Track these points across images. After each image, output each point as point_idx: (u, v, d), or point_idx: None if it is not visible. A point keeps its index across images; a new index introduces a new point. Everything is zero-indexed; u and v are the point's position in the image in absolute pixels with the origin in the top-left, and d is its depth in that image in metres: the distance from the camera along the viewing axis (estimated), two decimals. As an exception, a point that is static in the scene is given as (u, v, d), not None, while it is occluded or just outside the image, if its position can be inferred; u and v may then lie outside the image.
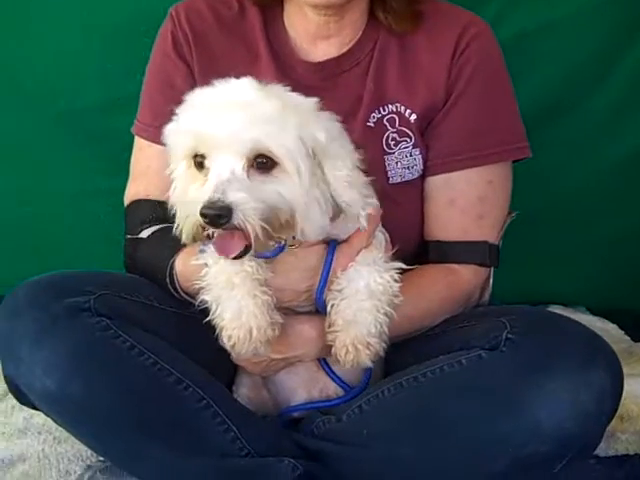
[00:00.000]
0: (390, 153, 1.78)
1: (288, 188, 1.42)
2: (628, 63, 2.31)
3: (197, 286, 1.56)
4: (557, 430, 1.45)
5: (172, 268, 1.67)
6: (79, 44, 2.32)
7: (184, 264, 1.65)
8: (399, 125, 1.78)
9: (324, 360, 1.70)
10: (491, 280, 1.87)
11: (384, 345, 1.56)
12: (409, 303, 1.65)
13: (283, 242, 1.50)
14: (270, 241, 1.45)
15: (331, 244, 1.57)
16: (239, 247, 1.40)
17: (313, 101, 1.49)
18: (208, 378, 1.65)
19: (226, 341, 1.52)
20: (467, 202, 1.77)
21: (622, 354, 1.83)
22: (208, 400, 1.59)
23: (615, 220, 2.47)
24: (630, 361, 2.16)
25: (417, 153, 1.78)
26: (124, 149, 2.30)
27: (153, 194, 1.81)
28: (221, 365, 1.76)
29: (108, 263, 2.26)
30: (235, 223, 1.36)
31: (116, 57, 2.31)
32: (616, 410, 1.53)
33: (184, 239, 1.45)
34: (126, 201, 1.88)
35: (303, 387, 1.74)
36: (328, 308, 1.57)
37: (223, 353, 1.67)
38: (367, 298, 1.53)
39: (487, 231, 1.79)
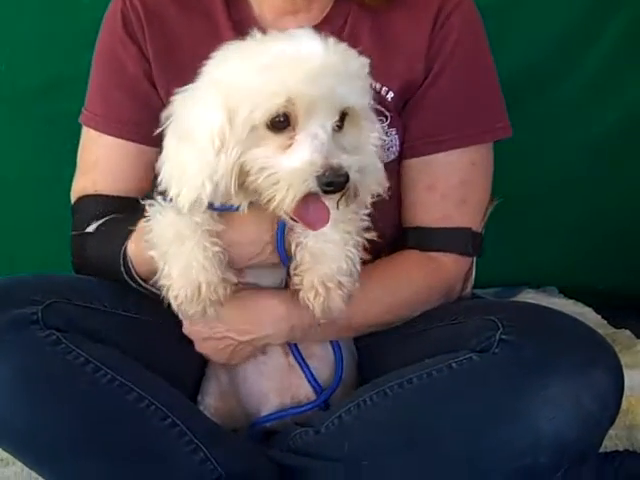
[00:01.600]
0: None
1: (356, 143, 1.36)
2: (611, 33, 2.25)
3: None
4: (558, 438, 1.34)
5: (125, 255, 1.53)
6: (12, 18, 2.15)
7: (137, 245, 1.50)
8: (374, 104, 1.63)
9: (297, 351, 1.58)
10: (474, 271, 1.75)
11: (356, 285, 1.43)
12: (385, 290, 1.58)
13: None
14: None
15: None
16: (324, 218, 1.32)
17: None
18: (172, 393, 1.51)
19: (173, 301, 1.40)
20: (448, 186, 1.65)
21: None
22: (173, 418, 1.44)
23: (586, 199, 2.43)
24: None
25: (394, 133, 1.65)
26: (67, 136, 2.14)
27: (103, 189, 1.66)
28: (184, 373, 1.63)
29: (53, 260, 2.12)
30: (346, 188, 1.28)
31: (56, 33, 2.15)
32: (617, 412, 1.42)
33: (281, 211, 1.32)
34: (73, 197, 1.73)
35: (275, 392, 1.61)
36: (293, 248, 1.44)
37: (186, 360, 1.58)
38: (333, 228, 1.41)
39: (470, 217, 1.67)
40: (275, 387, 1.61)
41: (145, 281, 1.53)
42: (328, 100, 1.29)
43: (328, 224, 1.35)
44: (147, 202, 1.45)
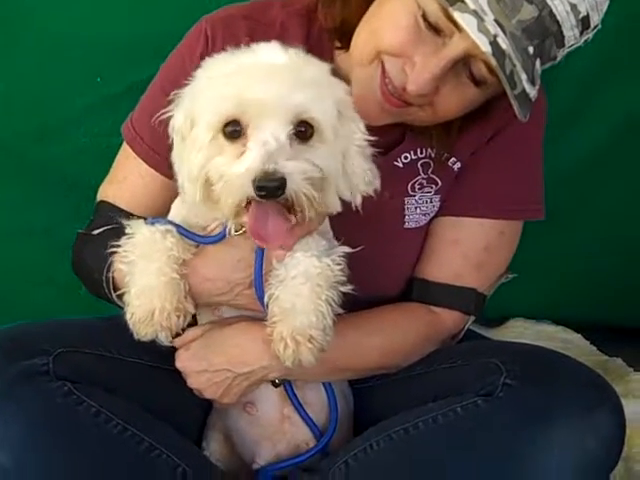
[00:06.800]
0: (411, 196, 1.66)
1: (324, 159, 1.33)
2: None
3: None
4: None
5: (112, 264, 1.51)
6: (9, 64, 2.12)
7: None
8: (432, 172, 1.65)
9: (296, 398, 1.58)
10: (469, 321, 1.75)
11: (328, 339, 1.39)
12: (382, 335, 1.60)
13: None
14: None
15: None
16: (279, 232, 1.31)
17: (329, 66, 1.39)
18: (181, 441, 1.53)
19: (128, 317, 1.40)
20: (472, 248, 1.67)
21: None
22: (184, 467, 1.47)
23: (576, 231, 2.42)
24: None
25: (437, 200, 1.67)
26: (61, 181, 2.15)
27: (120, 204, 1.67)
28: (189, 419, 1.65)
29: (48, 309, 2.10)
30: (288, 195, 1.26)
31: (51, 78, 2.12)
32: (621, 454, 1.44)
33: (227, 217, 1.34)
34: (98, 196, 1.73)
35: (268, 441, 1.62)
36: (266, 299, 1.43)
37: (190, 406, 1.59)
38: (305, 281, 1.39)
39: (481, 281, 1.69)
40: (268, 436, 1.61)
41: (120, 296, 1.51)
42: (279, 105, 1.29)
43: (289, 246, 1.37)
44: (129, 221, 1.46)
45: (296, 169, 1.26)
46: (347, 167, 1.38)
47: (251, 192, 1.26)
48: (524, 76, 1.37)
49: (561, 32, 1.39)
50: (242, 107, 1.29)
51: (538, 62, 1.40)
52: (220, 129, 1.32)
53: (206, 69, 1.37)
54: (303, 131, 1.31)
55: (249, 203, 1.30)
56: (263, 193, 1.25)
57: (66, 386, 1.40)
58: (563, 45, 1.42)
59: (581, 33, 1.42)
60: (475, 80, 1.44)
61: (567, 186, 2.31)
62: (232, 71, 1.33)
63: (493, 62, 1.35)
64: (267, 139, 1.28)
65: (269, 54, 1.34)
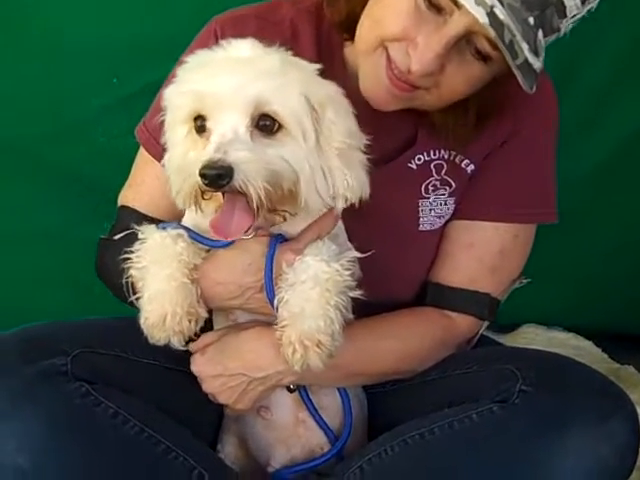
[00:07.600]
0: (426, 198, 1.67)
1: (293, 153, 1.32)
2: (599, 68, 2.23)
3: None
4: None
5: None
6: (26, 65, 2.13)
7: None
8: (445, 174, 1.65)
9: (310, 402, 1.58)
10: (484, 326, 1.75)
11: (337, 344, 1.38)
12: (398, 339, 1.60)
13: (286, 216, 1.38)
14: (273, 215, 1.35)
15: (273, 238, 1.43)
16: (240, 227, 1.30)
17: (315, 66, 1.38)
18: (197, 444, 1.53)
19: (142, 322, 1.41)
20: (487, 251, 1.67)
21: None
22: (200, 470, 1.47)
23: (589, 238, 2.43)
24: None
25: (452, 202, 1.67)
26: (78, 182, 2.16)
27: (140, 207, 1.67)
28: (204, 420, 1.65)
29: (64, 310, 2.11)
30: (236, 184, 1.25)
31: (67, 79, 2.14)
32: (635, 462, 1.44)
33: (182, 205, 1.35)
34: (118, 201, 1.74)
35: (282, 444, 1.62)
36: (275, 302, 1.42)
37: (205, 407, 1.58)
38: (314, 286, 1.38)
39: (495, 286, 1.69)
40: (283, 440, 1.62)
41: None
42: (235, 98, 1.29)
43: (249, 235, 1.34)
44: (141, 226, 1.46)
45: (245, 159, 1.26)
46: (324, 168, 1.37)
47: (198, 180, 1.26)
48: (525, 46, 1.36)
49: (562, 2, 1.38)
50: (202, 101, 1.31)
51: (540, 33, 1.39)
52: (192, 124, 1.34)
53: (183, 67, 1.39)
54: (268, 125, 1.31)
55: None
56: (206, 181, 1.25)
57: (84, 387, 1.41)
58: (565, 15, 1.41)
59: (583, 2, 1.41)
60: (481, 56, 1.43)
61: (580, 192, 2.32)
62: (198, 67, 1.35)
63: (492, 33, 1.34)
64: (225, 131, 1.29)
65: (236, 49, 1.35)
